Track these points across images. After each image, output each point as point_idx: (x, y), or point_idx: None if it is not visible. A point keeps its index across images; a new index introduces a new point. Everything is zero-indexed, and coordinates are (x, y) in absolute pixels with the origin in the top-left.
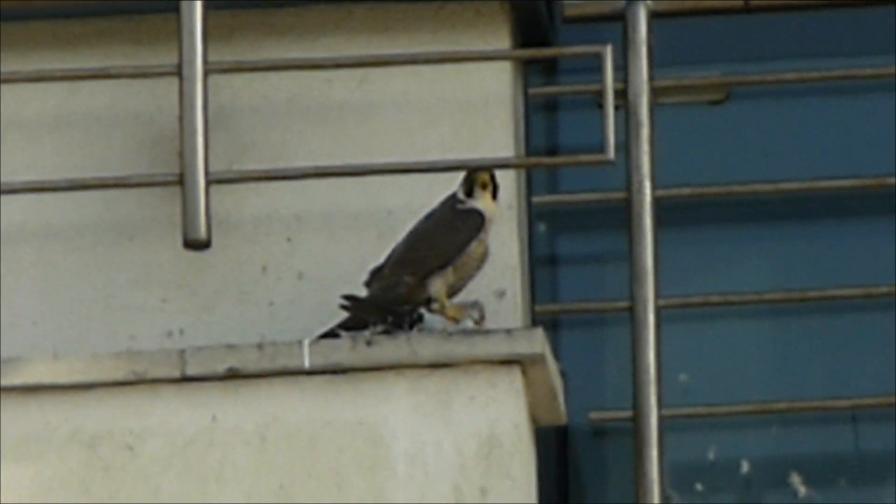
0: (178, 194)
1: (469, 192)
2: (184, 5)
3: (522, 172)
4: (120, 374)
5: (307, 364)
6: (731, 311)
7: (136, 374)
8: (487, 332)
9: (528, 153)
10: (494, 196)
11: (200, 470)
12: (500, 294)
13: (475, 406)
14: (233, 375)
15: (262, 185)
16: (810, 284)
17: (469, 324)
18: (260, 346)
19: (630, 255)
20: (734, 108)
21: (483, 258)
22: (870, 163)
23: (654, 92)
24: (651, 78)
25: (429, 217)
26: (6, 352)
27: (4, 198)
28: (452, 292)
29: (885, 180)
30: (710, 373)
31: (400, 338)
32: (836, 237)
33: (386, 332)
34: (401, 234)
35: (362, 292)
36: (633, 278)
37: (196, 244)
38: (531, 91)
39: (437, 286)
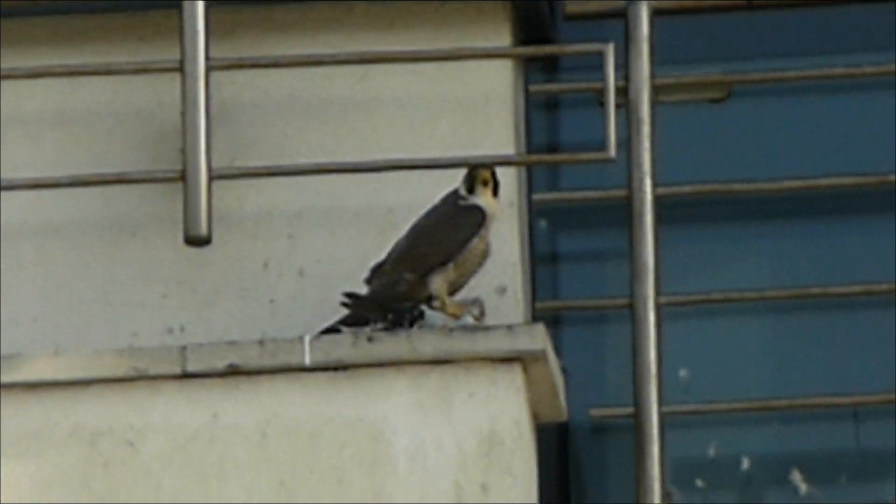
0: (180, 191)
1: (470, 189)
2: (186, 2)
3: (523, 170)
4: (121, 371)
5: (308, 361)
6: (732, 309)
7: (136, 370)
8: (488, 328)
9: (529, 150)
10: (495, 193)
11: (201, 466)
12: (501, 291)
13: (476, 402)
14: (233, 372)
15: (264, 182)
16: (811, 282)
17: (470, 320)
18: (261, 343)
19: (631, 253)
20: (735, 106)
21: (484, 255)
22: (870, 160)
23: (656, 90)
24: (652, 76)
25: (430, 214)
26: (7, 348)
27: (5, 194)
28: (453, 289)
29: (886, 178)
30: (710, 370)
31: (401, 334)
32: (836, 235)
33: (387, 328)
34: (402, 231)
35: (363, 289)
36: (634, 275)
37: (197, 240)
38: (532, 88)
39: (437, 283)
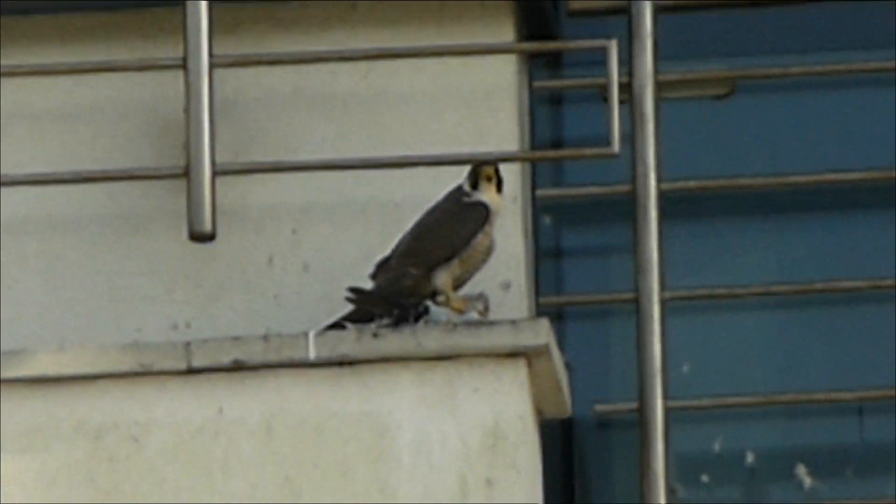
0: (184, 186)
1: (474, 185)
2: None
3: (527, 165)
4: (125, 366)
5: (313, 356)
6: (736, 304)
7: (141, 365)
8: (492, 323)
9: (533, 146)
10: (499, 189)
11: (206, 461)
12: (506, 286)
13: (480, 397)
14: (238, 367)
15: (268, 177)
16: (815, 277)
17: (474, 315)
18: (265, 338)
19: (635, 248)
20: (739, 102)
21: (488, 250)
22: (875, 156)
23: (659, 86)
24: (656, 71)
25: (434, 209)
26: (11, 344)
27: (9, 190)
28: (458, 284)
29: (890, 173)
30: (715, 365)
31: (405, 330)
32: (841, 230)
33: (391, 324)
34: (406, 227)
35: (368, 284)
36: (638, 271)
37: (201, 236)
38: (536, 84)
39: (442, 278)
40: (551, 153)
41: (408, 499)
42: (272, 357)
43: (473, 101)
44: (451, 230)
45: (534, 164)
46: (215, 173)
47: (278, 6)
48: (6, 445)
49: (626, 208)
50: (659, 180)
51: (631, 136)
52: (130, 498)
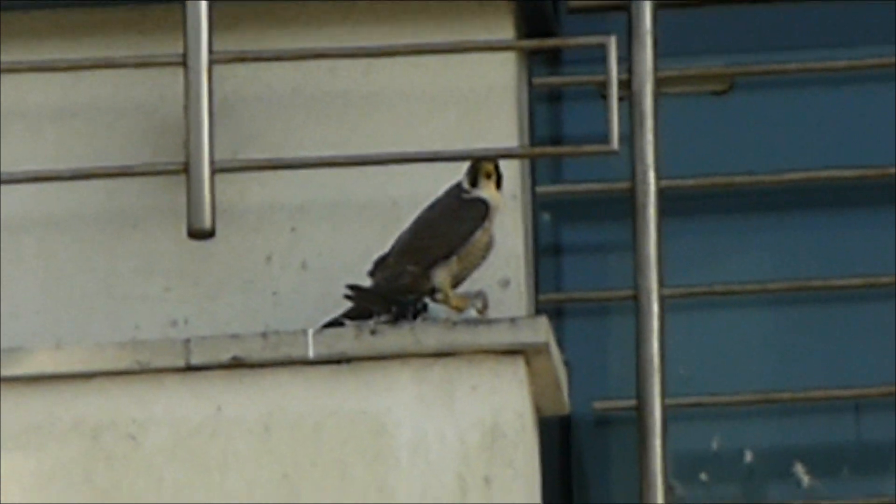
0: (182, 184)
1: (473, 182)
2: None
3: (527, 162)
4: (123, 364)
5: (311, 353)
6: (735, 301)
7: (139, 363)
8: (491, 321)
9: (533, 143)
10: (499, 186)
11: (204, 460)
12: (505, 283)
13: (479, 395)
14: (237, 365)
15: (267, 175)
16: (813, 274)
17: (473, 313)
18: (264, 336)
19: (634, 245)
20: (738, 99)
21: (487, 248)
22: (872, 153)
23: (658, 82)
24: (655, 68)
25: (433, 207)
26: (9, 341)
27: (7, 187)
28: (457, 282)
29: (887, 170)
30: (713, 362)
31: (404, 327)
32: (839, 227)
33: (390, 321)
34: (405, 224)
35: (366, 282)
36: (637, 268)
37: (200, 233)
38: (535, 81)
39: (441, 276)
40: (551, 150)
41: (406, 497)
42: (270, 355)
43: (473, 99)
44: (450, 227)
45: (533, 161)
46: (214, 171)
47: (278, 4)
48: (4, 443)
49: (626, 205)
50: (658, 177)
51: (630, 133)
52: (128, 496)
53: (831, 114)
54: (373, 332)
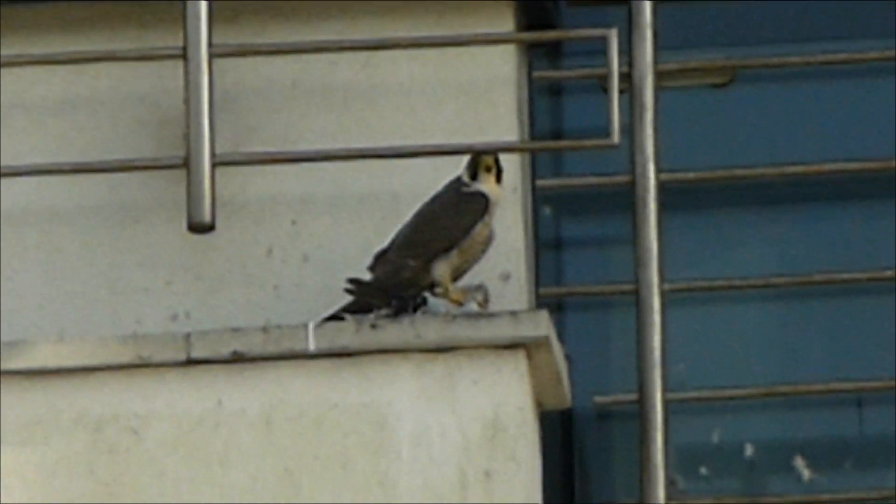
0: (183, 177)
1: (474, 176)
2: None
3: (527, 156)
4: (125, 358)
5: (312, 347)
6: (736, 295)
7: (141, 357)
8: (492, 315)
9: (533, 137)
10: (499, 179)
11: (205, 453)
12: (505, 277)
13: (480, 389)
14: (238, 358)
15: (267, 168)
16: (815, 268)
17: (473, 307)
18: (265, 329)
19: (634, 239)
20: (739, 92)
21: (488, 241)
22: (874, 146)
23: (659, 75)
24: (655, 61)
25: (433, 200)
26: (11, 335)
27: (9, 181)
28: (457, 275)
29: (890, 163)
30: (714, 356)
31: (404, 321)
32: (840, 221)
33: (390, 315)
34: (405, 218)
35: (367, 275)
36: (638, 262)
37: (201, 227)
38: (536, 74)
39: (441, 269)
40: (551, 144)
41: (407, 490)
42: (271, 348)
43: (473, 92)
44: (451, 221)
45: (533, 154)
46: (215, 164)
47: None
48: (6, 437)
49: (626, 199)
50: (658, 171)
51: (630, 127)
52: (130, 490)
53: (832, 107)
54: (373, 326)
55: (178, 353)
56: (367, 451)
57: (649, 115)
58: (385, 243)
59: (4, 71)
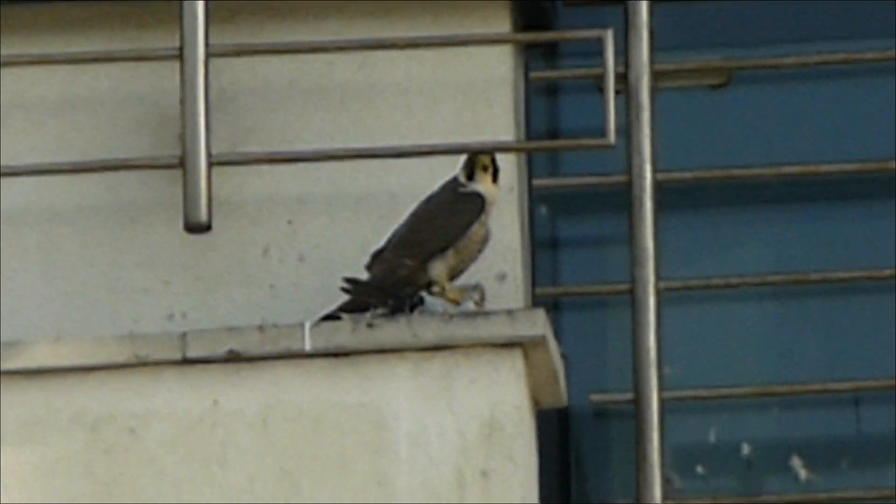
0: (180, 177)
1: (470, 175)
2: None
3: (523, 156)
4: (122, 357)
5: (308, 346)
6: (732, 294)
7: (138, 356)
8: (489, 314)
9: (529, 137)
10: (495, 179)
11: (203, 453)
12: (502, 277)
13: (477, 388)
14: (234, 358)
15: (264, 168)
16: (811, 267)
17: (470, 306)
18: (261, 329)
19: (631, 238)
20: (735, 92)
21: (484, 241)
22: (871, 146)
23: (655, 76)
24: (652, 62)
25: (430, 200)
26: (9, 334)
27: (8, 181)
28: (453, 275)
29: (886, 164)
30: (710, 356)
31: (401, 320)
32: (837, 220)
33: (387, 314)
34: (402, 217)
35: (364, 275)
36: (634, 261)
37: (197, 227)
38: (532, 75)
39: (438, 269)
40: (547, 143)
41: (405, 489)
42: (268, 348)
43: (470, 92)
44: (447, 220)
45: (530, 154)
46: (211, 164)
47: None
48: (4, 437)
49: (623, 199)
50: (655, 171)
51: (627, 127)
52: (128, 489)
53: (829, 107)
54: (370, 326)
55: (174, 352)
56: (365, 451)
57: (646, 116)
58: (381, 243)
59: (3, 71)
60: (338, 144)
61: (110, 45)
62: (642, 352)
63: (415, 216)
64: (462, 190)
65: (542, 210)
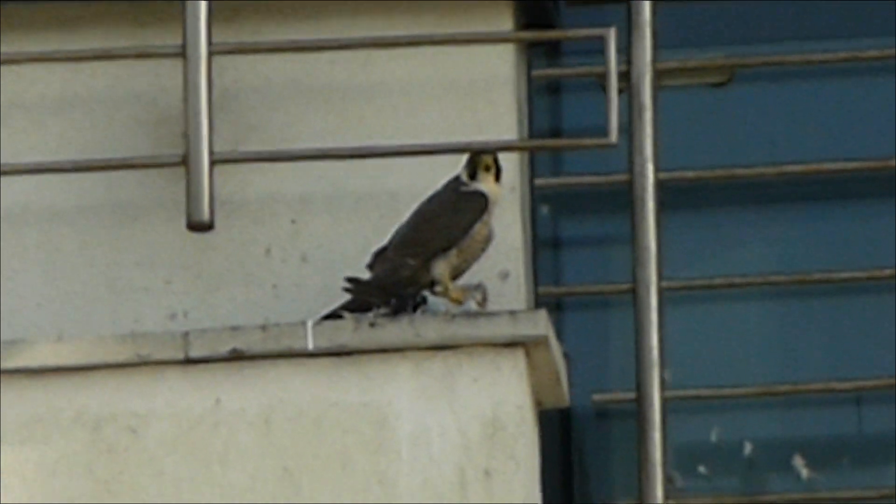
0: (182, 176)
1: (472, 175)
2: None
3: (526, 155)
4: (124, 357)
5: (311, 345)
6: (734, 294)
7: (139, 356)
8: (491, 314)
9: (532, 135)
10: (498, 178)
11: (205, 452)
12: (504, 276)
13: (479, 388)
14: (236, 357)
15: (266, 167)
16: (813, 267)
17: (472, 306)
18: (263, 328)
19: (633, 238)
20: (737, 91)
21: (487, 240)
22: (872, 145)
23: (658, 74)
24: (654, 60)
25: (432, 199)
26: (10, 334)
27: (8, 180)
28: (456, 274)
29: (888, 162)
30: (713, 355)
31: (403, 320)
32: (839, 219)
33: (389, 314)
34: (404, 216)
35: (366, 274)
36: (636, 261)
37: (199, 226)
38: (534, 73)
39: (440, 268)
40: (550, 142)
41: (407, 489)
42: (270, 347)
43: (472, 91)
44: (450, 220)
45: (532, 153)
46: (213, 163)
47: None
48: (5, 436)
49: (625, 198)
50: (657, 170)
51: (629, 126)
52: (129, 489)
53: (831, 106)
54: (372, 325)
55: (176, 351)
56: (367, 450)
57: (648, 115)
58: (384, 242)
59: (3, 69)
60: (340, 143)
61: (110, 43)
62: (644, 351)
63: (417, 215)
64: (464, 189)
65: (545, 209)
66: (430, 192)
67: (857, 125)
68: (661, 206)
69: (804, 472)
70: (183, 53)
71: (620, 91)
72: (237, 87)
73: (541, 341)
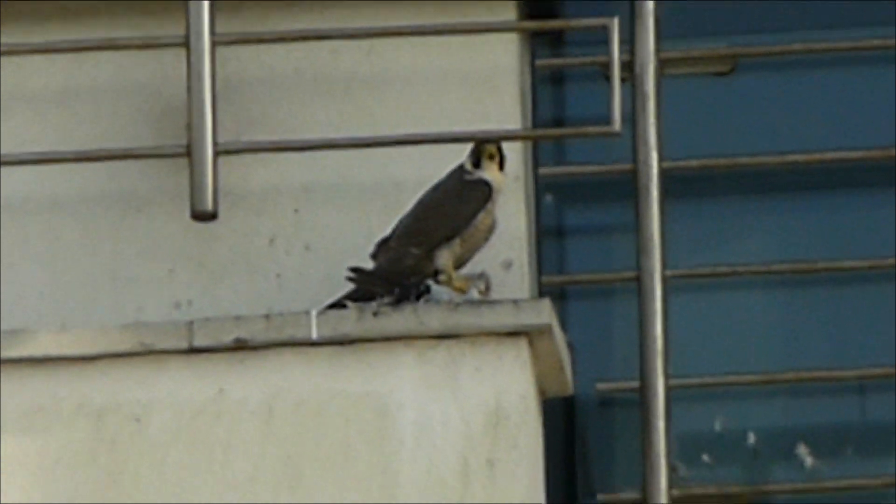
0: (186, 166)
1: (476, 164)
2: None
3: (529, 144)
4: (127, 346)
5: (314, 335)
6: (738, 283)
7: (143, 345)
8: (494, 303)
9: (535, 125)
10: (501, 167)
11: (207, 441)
12: (507, 265)
13: (482, 377)
14: (240, 346)
15: (270, 157)
16: (816, 255)
17: (476, 295)
18: (267, 317)
19: (637, 227)
20: (741, 80)
21: (490, 229)
22: (875, 134)
23: (661, 64)
24: (657, 50)
25: (436, 188)
26: (13, 324)
27: (10, 170)
28: (459, 263)
29: (891, 151)
30: (716, 344)
31: (407, 309)
32: (842, 208)
33: (392, 303)
34: (408, 206)
35: (369, 264)
36: (640, 249)
37: (203, 216)
38: (538, 63)
39: (444, 257)
40: (553, 131)
41: (410, 479)
42: (274, 336)
43: (475, 81)
44: (453, 209)
45: (536, 142)
46: (217, 153)
47: None
48: (7, 426)
49: (628, 187)
50: (660, 159)
51: (632, 115)
52: (132, 478)
53: (834, 95)
54: (375, 314)
55: (180, 341)
56: (370, 440)
57: (651, 104)
58: (387, 232)
59: (5, 60)
60: (344, 133)
61: (113, 33)
62: (648, 340)
63: (421, 205)
64: (468, 178)
65: (548, 198)
66: (434, 182)
67: (860, 114)
68: (664, 195)
69: (808, 461)
70: (186, 44)
71: (624, 80)
72: (241, 78)
73: (544, 330)
